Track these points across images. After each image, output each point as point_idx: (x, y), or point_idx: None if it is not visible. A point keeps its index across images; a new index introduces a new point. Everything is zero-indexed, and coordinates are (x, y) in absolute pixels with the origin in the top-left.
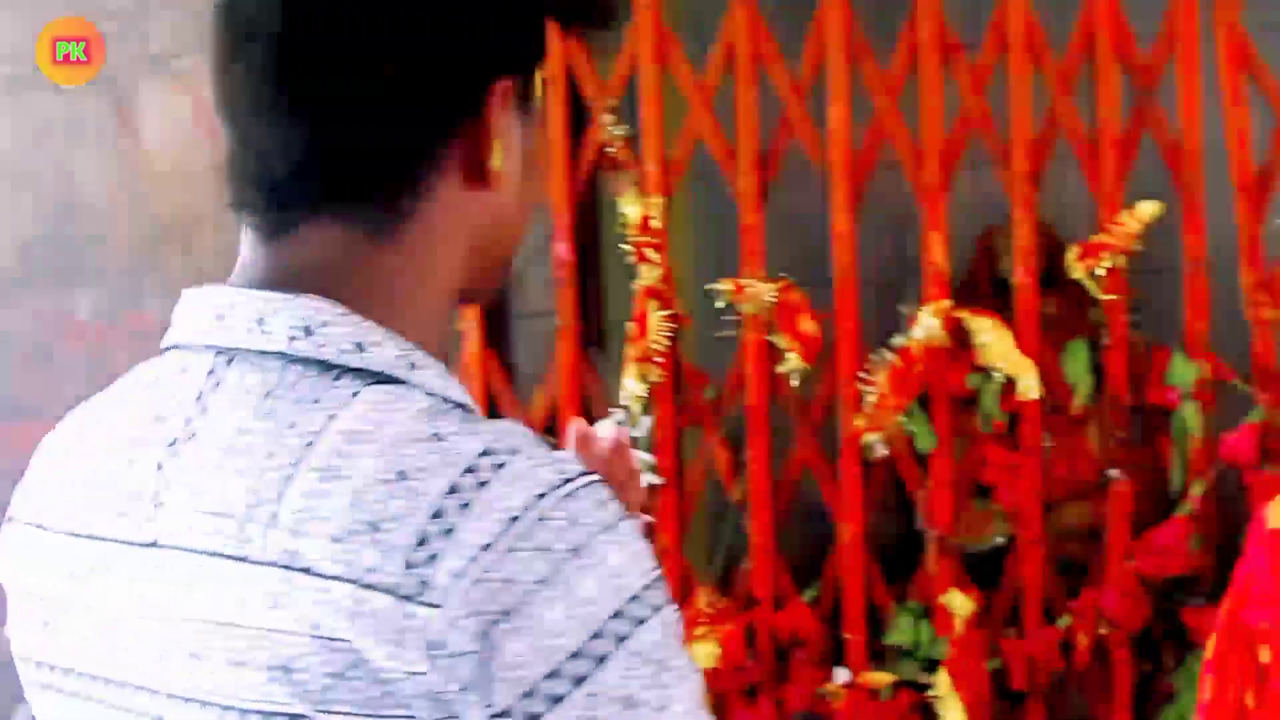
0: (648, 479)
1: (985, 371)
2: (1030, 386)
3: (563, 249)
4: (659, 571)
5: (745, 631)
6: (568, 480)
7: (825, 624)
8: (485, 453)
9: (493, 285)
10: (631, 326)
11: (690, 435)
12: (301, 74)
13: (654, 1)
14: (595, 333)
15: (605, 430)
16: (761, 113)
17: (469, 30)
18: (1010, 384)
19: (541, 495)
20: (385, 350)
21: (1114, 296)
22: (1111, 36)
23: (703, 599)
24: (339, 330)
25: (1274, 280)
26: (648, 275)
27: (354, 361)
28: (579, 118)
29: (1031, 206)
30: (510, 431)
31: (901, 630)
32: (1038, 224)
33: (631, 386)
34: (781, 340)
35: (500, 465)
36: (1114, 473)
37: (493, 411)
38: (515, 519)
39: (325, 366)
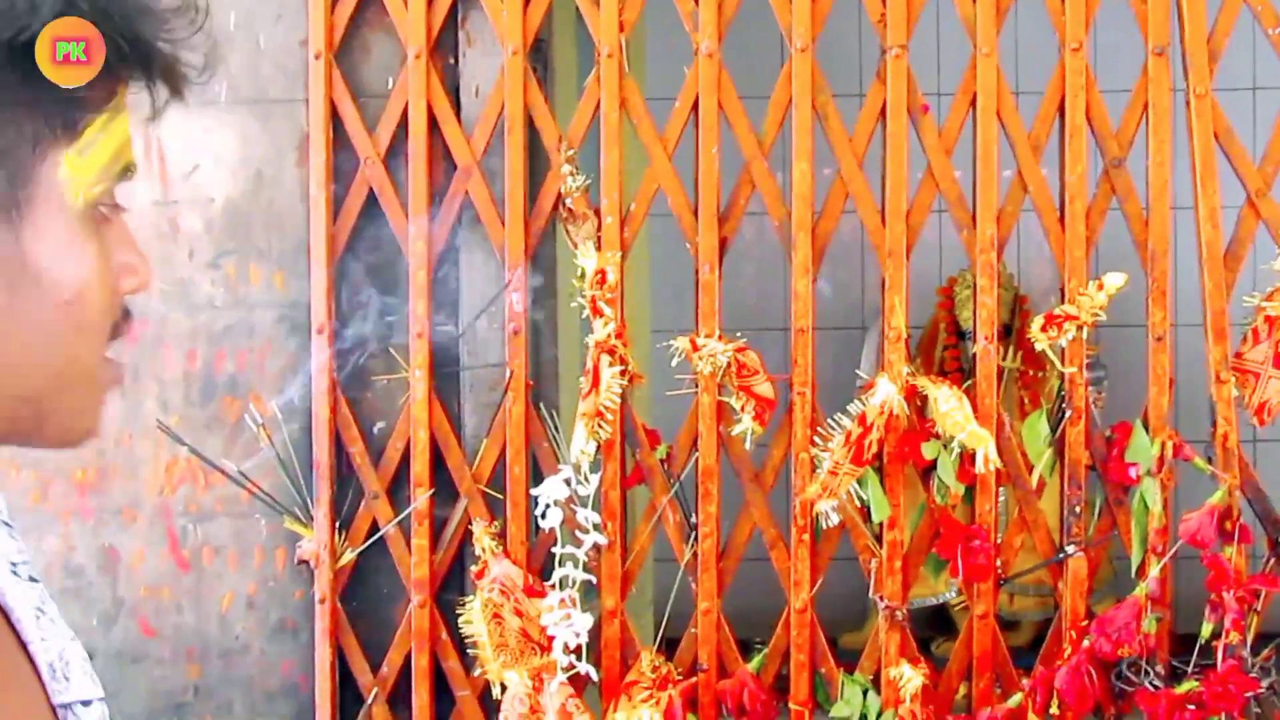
0: (594, 538)
1: (943, 440)
2: (988, 459)
3: (517, 299)
4: None
5: (689, 698)
6: None
7: (771, 693)
8: None
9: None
10: (583, 381)
11: (639, 495)
12: None
13: (616, 50)
14: (545, 387)
15: (552, 488)
16: (723, 168)
17: None
18: (968, 454)
19: None
20: None
21: (1075, 369)
22: (1083, 102)
23: (646, 663)
24: None
25: (1239, 358)
26: (601, 330)
27: None
28: (537, 166)
29: (995, 273)
30: None
31: (848, 701)
32: (1004, 278)
33: (581, 443)
34: (736, 400)
35: None
36: (1071, 549)
37: (438, 464)
38: None
39: None
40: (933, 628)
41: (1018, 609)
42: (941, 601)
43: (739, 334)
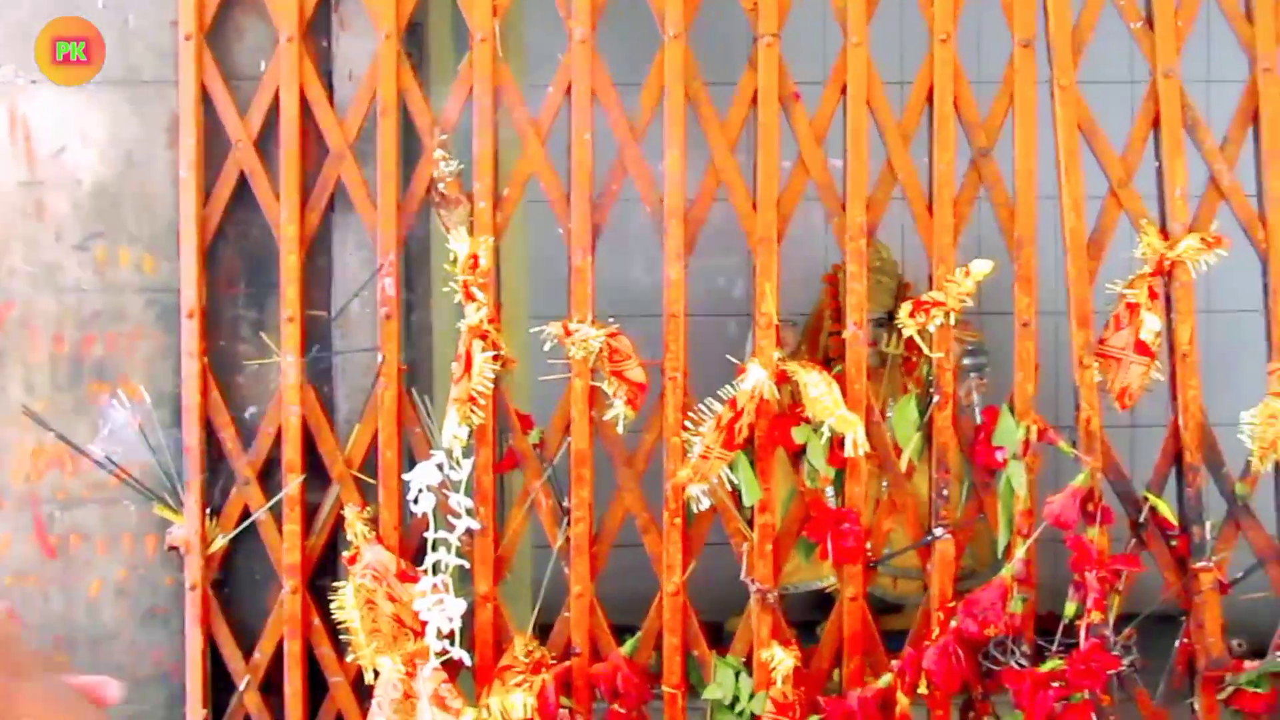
0: (467, 523)
1: (814, 425)
2: (856, 443)
3: (389, 284)
4: None
5: (562, 682)
6: None
7: (644, 676)
8: None
9: None
10: (455, 367)
11: (512, 480)
12: None
13: (490, 36)
14: (420, 372)
15: (425, 473)
16: (596, 154)
17: None
18: (838, 438)
19: None
20: None
21: (942, 354)
22: (951, 93)
23: (520, 647)
24: None
25: (1102, 344)
26: (474, 315)
27: None
28: (410, 151)
29: (864, 260)
30: None
31: (721, 684)
32: (889, 264)
33: (453, 428)
34: (609, 386)
35: None
36: (939, 531)
37: (310, 448)
38: None
39: None
40: (819, 610)
41: (902, 592)
42: (826, 585)
43: (611, 319)
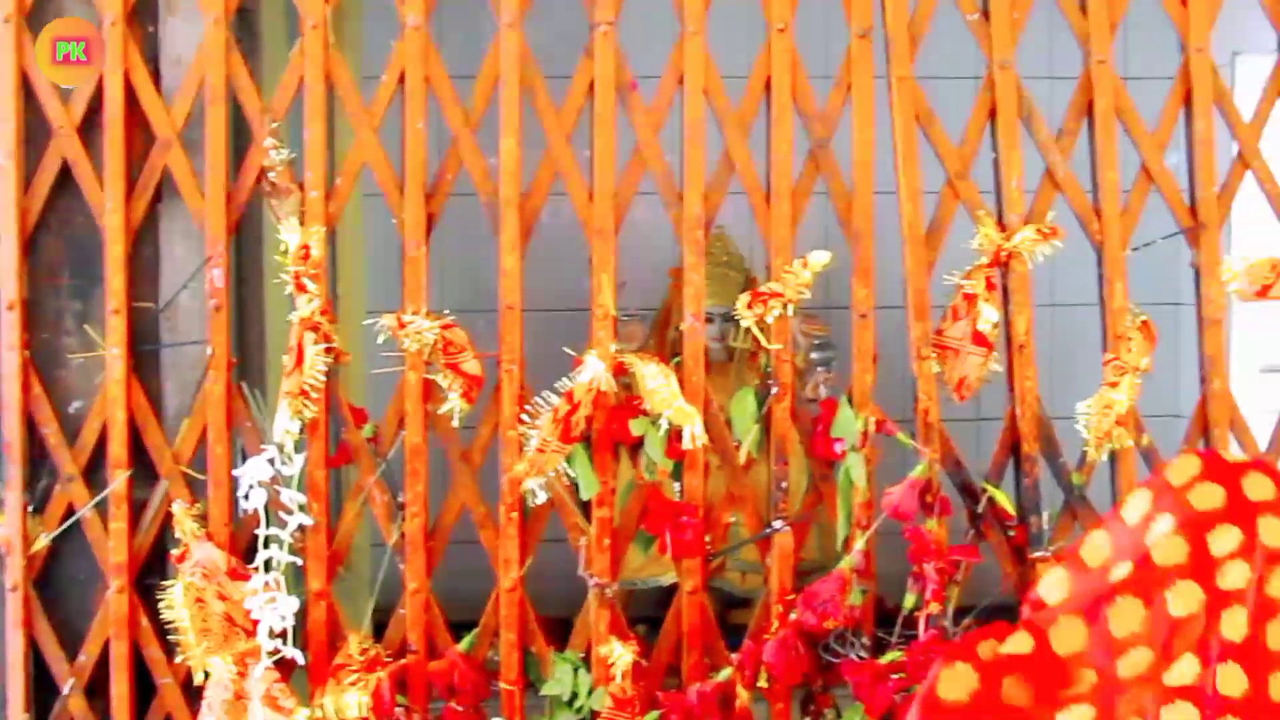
0: (299, 519)
1: (652, 417)
2: (694, 435)
3: (218, 275)
4: None
5: (398, 680)
6: None
7: (482, 673)
8: None
9: None
10: (287, 360)
11: (346, 475)
12: None
13: (322, 22)
14: (251, 365)
15: (256, 468)
16: (431, 143)
17: None
18: (676, 431)
19: None
20: None
21: (781, 345)
22: (789, 83)
23: (354, 645)
24: None
25: (940, 335)
26: (305, 307)
27: None
28: (240, 139)
29: (702, 251)
30: None
31: (560, 680)
32: (736, 259)
33: (284, 422)
34: (444, 379)
35: None
36: (777, 524)
37: (137, 444)
38: None
39: None
40: (666, 607)
41: (751, 586)
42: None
43: (445, 311)
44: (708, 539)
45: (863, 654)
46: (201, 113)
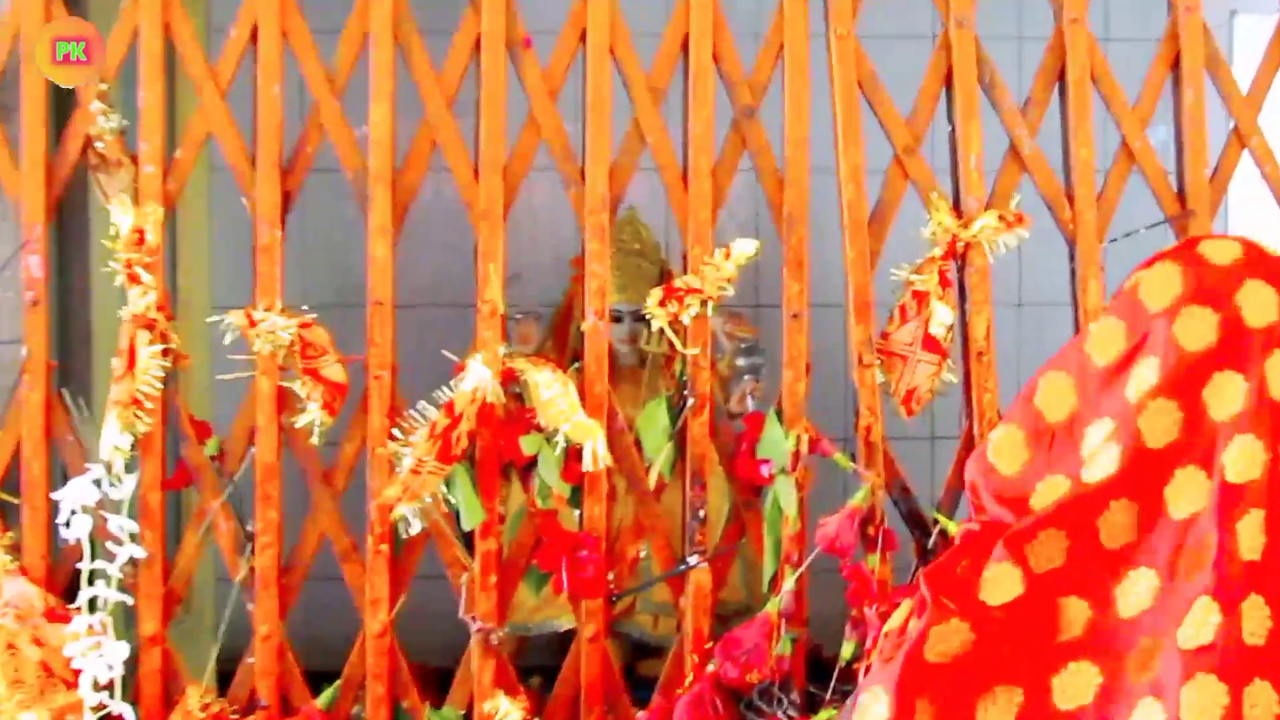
0: (130, 551)
1: (547, 433)
2: (596, 454)
3: (35, 263)
4: None
5: None
6: None
7: None
8: None
9: None
10: (117, 363)
11: (186, 498)
12: None
13: None
14: (74, 369)
15: (79, 491)
16: (289, 110)
17: None
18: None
19: None
20: None
21: (699, 349)
22: (709, 42)
23: (194, 699)
24: None
25: (884, 339)
26: (139, 301)
27: None
28: (62, 104)
29: (607, 237)
30: None
31: None
32: (650, 248)
33: (113, 436)
34: (302, 387)
35: None
36: (693, 559)
37: None
38: None
39: None
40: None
41: (664, 632)
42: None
43: (304, 308)
44: (611, 576)
45: (792, 712)
46: (16, 73)
